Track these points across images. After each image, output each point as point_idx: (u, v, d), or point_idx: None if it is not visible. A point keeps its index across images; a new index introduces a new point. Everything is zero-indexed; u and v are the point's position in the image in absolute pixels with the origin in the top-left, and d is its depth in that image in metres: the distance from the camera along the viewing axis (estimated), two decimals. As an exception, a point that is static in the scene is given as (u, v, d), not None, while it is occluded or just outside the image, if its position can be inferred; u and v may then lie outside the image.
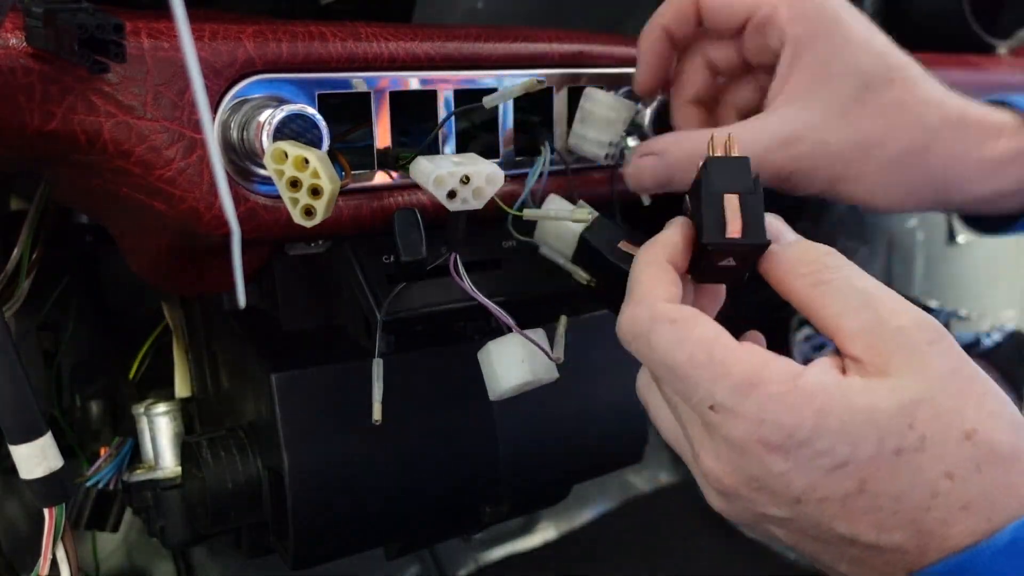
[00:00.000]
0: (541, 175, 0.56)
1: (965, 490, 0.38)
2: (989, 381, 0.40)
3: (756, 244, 0.43)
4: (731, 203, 0.43)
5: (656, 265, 0.44)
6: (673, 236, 0.46)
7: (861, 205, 0.57)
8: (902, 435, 0.38)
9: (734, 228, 0.43)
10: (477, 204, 0.49)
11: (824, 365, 0.40)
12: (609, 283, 0.54)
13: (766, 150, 0.53)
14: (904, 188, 0.57)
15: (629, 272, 0.47)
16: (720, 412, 0.39)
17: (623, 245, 0.53)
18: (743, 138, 0.48)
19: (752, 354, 0.40)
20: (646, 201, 0.60)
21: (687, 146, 0.53)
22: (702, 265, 0.46)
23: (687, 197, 0.48)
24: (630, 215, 0.61)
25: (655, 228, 0.49)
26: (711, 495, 0.44)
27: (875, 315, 0.40)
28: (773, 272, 0.44)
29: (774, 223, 0.45)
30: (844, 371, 0.40)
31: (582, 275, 0.55)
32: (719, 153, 0.46)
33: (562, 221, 0.55)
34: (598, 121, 0.58)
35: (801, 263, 0.43)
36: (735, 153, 0.46)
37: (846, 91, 0.53)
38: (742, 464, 0.40)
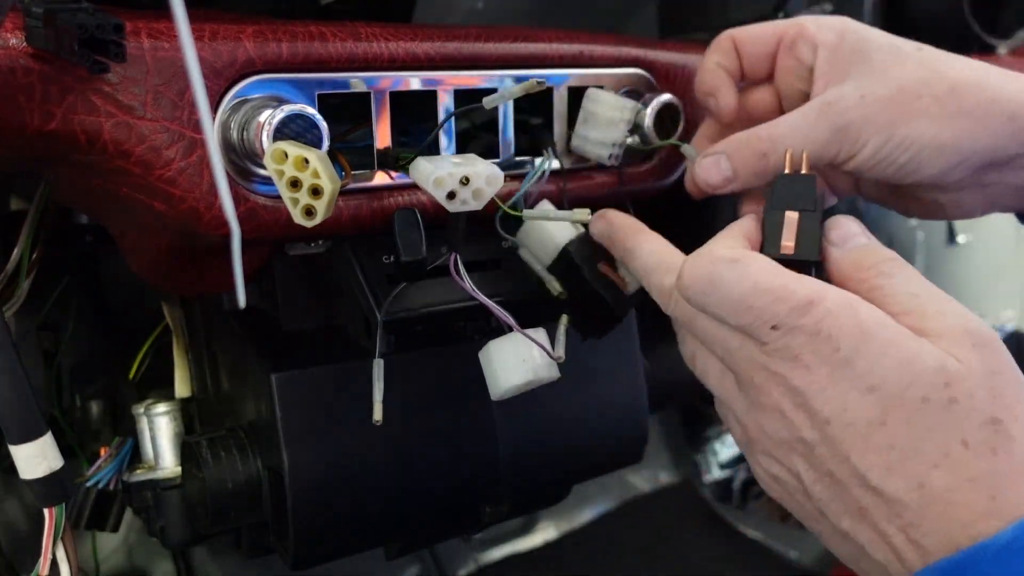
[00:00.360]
0: (540, 177, 0.57)
1: (976, 463, 0.39)
2: (1021, 393, 0.42)
3: (806, 260, 0.47)
4: (790, 220, 0.48)
5: (668, 248, 0.50)
6: (749, 224, 0.49)
7: (930, 149, 0.54)
8: (934, 387, 0.40)
9: (787, 245, 0.47)
10: (477, 205, 0.49)
11: (884, 313, 0.43)
12: (580, 299, 0.55)
13: (817, 116, 0.54)
14: (970, 119, 0.54)
15: (603, 294, 0.52)
16: (781, 328, 0.43)
17: (602, 267, 0.54)
18: (791, 119, 0.53)
19: (813, 282, 0.43)
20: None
21: (755, 146, 0.55)
22: None
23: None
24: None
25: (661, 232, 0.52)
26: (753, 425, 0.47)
27: (920, 318, 0.43)
28: (835, 276, 0.47)
29: (847, 224, 0.49)
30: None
31: (555, 285, 0.55)
32: (788, 170, 0.51)
33: (548, 229, 0.55)
34: (601, 122, 0.58)
35: (859, 268, 0.46)
36: (804, 170, 0.51)
37: (884, 59, 0.54)
38: (792, 376, 0.43)
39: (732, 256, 0.45)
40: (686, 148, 0.59)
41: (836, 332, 0.42)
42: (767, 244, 0.48)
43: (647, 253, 0.51)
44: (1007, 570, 0.37)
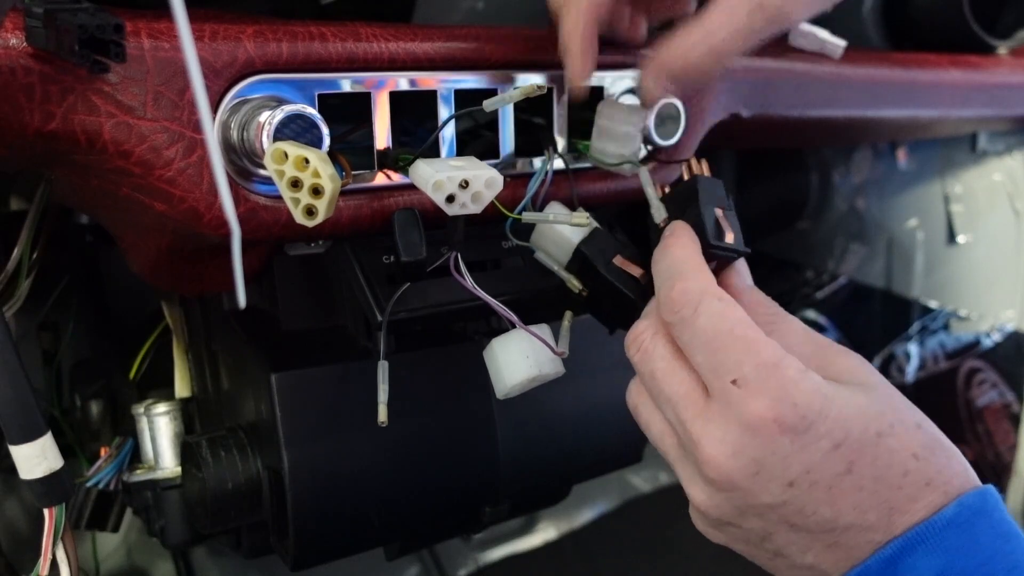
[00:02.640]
0: (543, 181, 0.57)
1: (928, 468, 0.43)
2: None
3: (743, 251, 0.51)
4: (721, 216, 0.51)
5: (697, 254, 0.49)
6: (691, 233, 0.51)
7: None
8: (880, 420, 0.43)
9: (730, 236, 0.51)
10: (476, 208, 0.49)
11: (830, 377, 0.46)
12: (600, 295, 0.55)
13: (749, 12, 0.52)
14: None
15: (622, 287, 0.53)
16: (743, 387, 0.43)
17: (618, 260, 0.54)
18: (722, 20, 0.52)
19: (776, 344, 0.44)
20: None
21: (697, 55, 0.53)
22: None
23: (656, 207, 0.54)
24: (627, 222, 0.61)
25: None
26: (699, 489, 0.46)
27: (817, 346, 0.48)
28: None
29: (742, 267, 0.52)
30: None
31: (575, 284, 0.56)
32: (697, 172, 0.54)
33: (560, 229, 0.55)
34: (617, 136, 0.58)
35: (761, 304, 0.51)
36: (707, 173, 0.55)
37: None
38: (748, 445, 0.43)
39: (719, 294, 0.46)
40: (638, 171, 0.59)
41: (800, 399, 0.42)
42: (711, 236, 0.50)
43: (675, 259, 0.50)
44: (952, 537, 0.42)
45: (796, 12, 0.54)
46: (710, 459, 0.44)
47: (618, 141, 0.58)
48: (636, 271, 0.54)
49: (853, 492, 0.43)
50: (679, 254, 0.49)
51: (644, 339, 0.48)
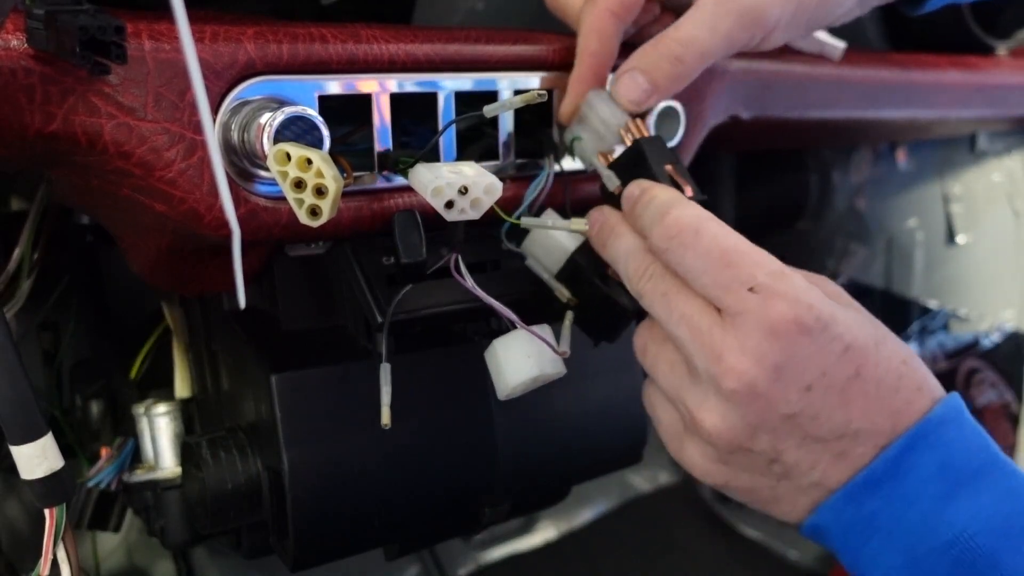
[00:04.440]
0: (543, 187, 0.57)
1: (915, 374, 0.46)
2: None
3: (701, 199, 0.52)
4: (674, 172, 0.52)
5: (678, 192, 0.51)
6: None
7: None
8: (875, 329, 0.47)
9: (689, 189, 0.52)
10: (475, 215, 0.49)
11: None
12: (590, 305, 0.55)
13: (716, 6, 0.53)
14: None
15: (616, 297, 0.53)
16: (760, 292, 0.45)
17: (610, 271, 0.54)
18: (694, 17, 0.54)
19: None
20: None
21: (668, 52, 0.54)
22: None
23: (607, 175, 0.54)
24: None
25: None
26: (712, 411, 0.47)
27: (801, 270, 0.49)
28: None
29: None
30: None
31: (564, 292, 0.56)
32: (636, 135, 0.55)
33: (554, 237, 0.55)
34: (592, 128, 0.57)
35: None
36: (647, 134, 0.55)
37: None
38: (770, 350, 0.44)
39: (711, 215, 0.47)
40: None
41: (815, 301, 0.45)
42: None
43: (624, 242, 0.52)
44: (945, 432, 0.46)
45: (768, 11, 0.54)
46: (732, 368, 0.45)
47: (592, 133, 0.57)
48: None
49: (861, 397, 0.45)
50: (663, 194, 0.50)
51: (652, 268, 0.49)
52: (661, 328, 0.49)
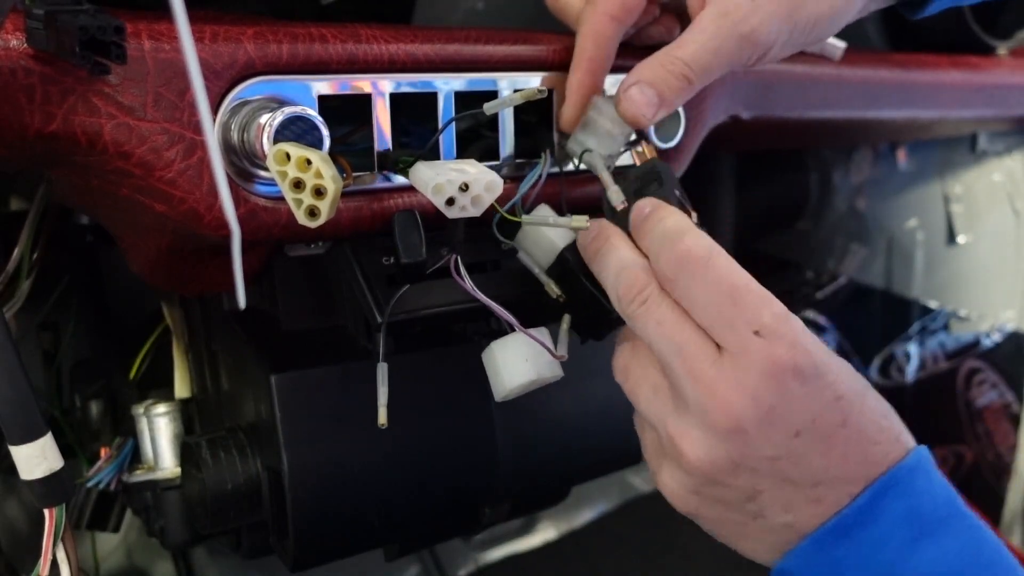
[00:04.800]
0: (537, 181, 0.56)
1: (894, 425, 0.47)
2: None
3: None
4: (681, 198, 0.53)
5: (689, 220, 0.50)
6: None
7: (830, 16, 0.57)
8: (861, 379, 0.47)
9: (694, 217, 0.52)
10: (475, 212, 0.49)
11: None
12: (578, 302, 0.55)
13: (717, 29, 0.54)
14: None
15: (600, 296, 0.53)
16: (764, 334, 0.44)
17: None
18: (696, 38, 0.54)
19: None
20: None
21: (675, 70, 0.55)
22: None
23: (614, 191, 0.54)
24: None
25: None
26: (696, 441, 0.46)
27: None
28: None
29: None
30: None
31: (553, 288, 0.55)
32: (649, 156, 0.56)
33: (546, 232, 0.55)
34: (600, 132, 0.57)
35: None
36: (649, 156, 0.56)
37: None
38: (765, 391, 0.44)
39: (721, 249, 0.47)
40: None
41: (813, 348, 0.45)
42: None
43: (618, 255, 0.51)
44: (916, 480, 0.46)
45: (760, 25, 0.54)
46: (726, 404, 0.44)
47: (600, 138, 0.57)
48: None
49: (843, 445, 0.45)
50: (676, 218, 0.49)
51: (649, 291, 0.48)
52: (647, 352, 0.49)
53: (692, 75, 0.54)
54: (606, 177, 0.54)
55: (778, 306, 0.45)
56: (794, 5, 0.54)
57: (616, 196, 0.53)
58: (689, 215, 0.51)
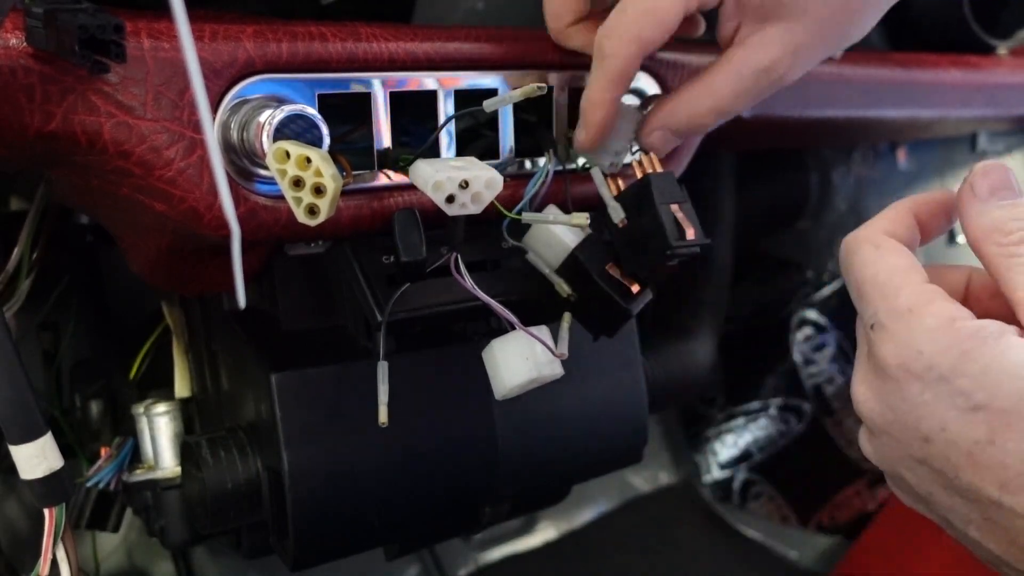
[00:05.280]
0: (543, 182, 0.57)
1: None
2: None
3: (704, 243, 0.52)
4: (679, 212, 0.52)
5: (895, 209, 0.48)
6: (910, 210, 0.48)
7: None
8: None
9: (691, 232, 0.51)
10: (476, 209, 0.49)
11: (997, 324, 0.40)
12: (589, 301, 0.56)
13: (755, 81, 0.55)
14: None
15: (613, 294, 0.54)
16: (877, 331, 0.42)
17: (611, 268, 0.55)
18: (730, 84, 0.54)
19: (929, 291, 0.42)
20: None
21: (702, 121, 0.57)
22: (647, 262, 0.54)
23: (613, 207, 0.54)
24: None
25: None
26: (861, 432, 0.46)
27: None
28: (971, 232, 0.44)
29: (997, 173, 0.44)
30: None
31: (564, 288, 0.56)
32: (649, 170, 0.55)
33: (555, 233, 0.55)
34: (609, 149, 0.58)
35: (999, 232, 0.43)
36: (659, 168, 0.55)
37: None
38: (884, 390, 0.42)
39: (877, 241, 0.45)
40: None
41: (928, 348, 0.40)
42: (671, 238, 0.51)
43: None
44: None
45: (798, 73, 0.56)
46: (855, 399, 0.44)
47: (606, 152, 0.58)
48: (627, 280, 0.55)
49: (996, 467, 0.39)
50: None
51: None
52: None
53: (717, 120, 0.56)
54: (605, 193, 0.55)
55: (902, 299, 0.42)
56: (839, 38, 0.55)
57: (615, 213, 0.54)
58: (684, 230, 0.51)
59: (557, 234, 0.56)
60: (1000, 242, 0.42)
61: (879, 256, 0.44)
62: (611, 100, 0.55)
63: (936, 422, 0.40)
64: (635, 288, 0.55)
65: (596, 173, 0.56)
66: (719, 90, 0.55)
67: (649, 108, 0.60)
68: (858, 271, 0.45)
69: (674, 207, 0.52)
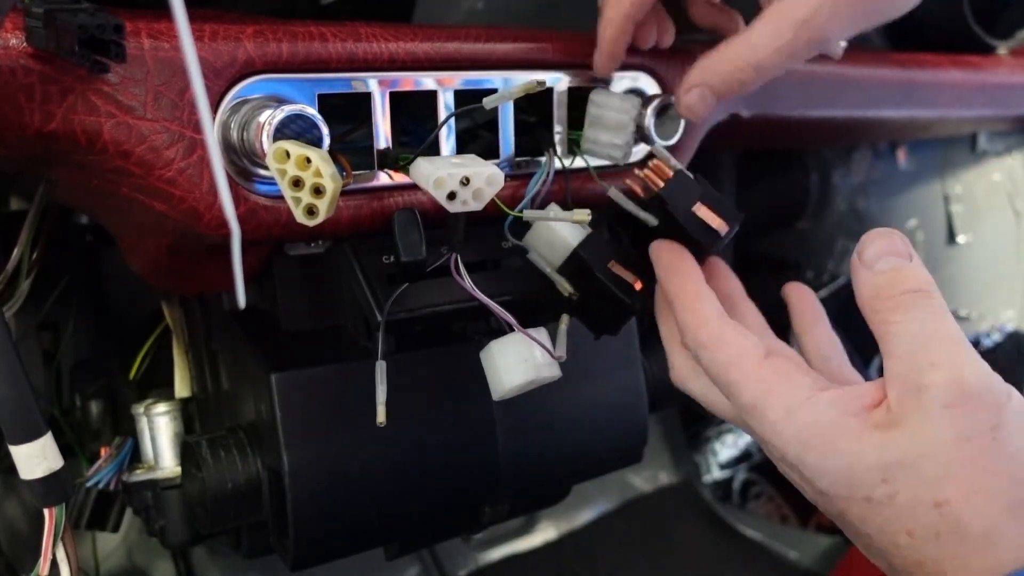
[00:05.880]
0: (544, 180, 0.57)
1: (921, 550, 0.39)
2: (1004, 458, 0.39)
3: (736, 223, 0.53)
4: (701, 209, 0.53)
5: (693, 284, 0.51)
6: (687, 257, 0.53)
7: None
8: (873, 487, 0.40)
9: (716, 222, 0.53)
10: (477, 205, 0.49)
11: (845, 397, 0.42)
12: (592, 299, 0.56)
13: (795, 35, 0.52)
14: None
15: (616, 290, 0.54)
16: (739, 422, 0.48)
17: (613, 266, 0.55)
18: (768, 41, 0.53)
19: (763, 379, 0.45)
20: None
21: (739, 76, 0.55)
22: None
23: (644, 217, 0.55)
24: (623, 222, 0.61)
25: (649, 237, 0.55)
26: None
27: (912, 366, 0.41)
28: (857, 299, 0.45)
29: (881, 240, 0.45)
30: (876, 405, 0.42)
31: (566, 287, 0.56)
32: (658, 177, 0.55)
33: (557, 231, 0.55)
34: (609, 124, 0.58)
35: (877, 298, 0.43)
36: (668, 173, 0.54)
37: None
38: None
39: (704, 342, 0.48)
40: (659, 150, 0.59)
41: (775, 442, 0.43)
42: (702, 238, 0.53)
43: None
44: None
45: (838, 31, 0.54)
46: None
47: (610, 130, 0.58)
48: (630, 277, 0.55)
49: (855, 536, 0.43)
50: (681, 298, 0.51)
51: None
52: None
53: (758, 79, 0.54)
54: (631, 207, 0.56)
55: (746, 397, 0.45)
56: (873, 7, 0.54)
57: (649, 221, 0.55)
58: (710, 225, 0.53)
59: (559, 232, 0.56)
60: (877, 308, 0.43)
61: (717, 354, 0.47)
62: (623, 15, 0.55)
63: (810, 493, 0.44)
64: (638, 285, 0.55)
65: (614, 192, 0.56)
66: (759, 44, 0.53)
67: (654, 103, 0.60)
68: (710, 370, 0.48)
69: (696, 208, 0.53)
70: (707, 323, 0.48)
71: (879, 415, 0.41)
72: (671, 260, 0.53)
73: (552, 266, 0.57)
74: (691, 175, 0.55)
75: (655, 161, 0.56)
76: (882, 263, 0.44)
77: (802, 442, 0.42)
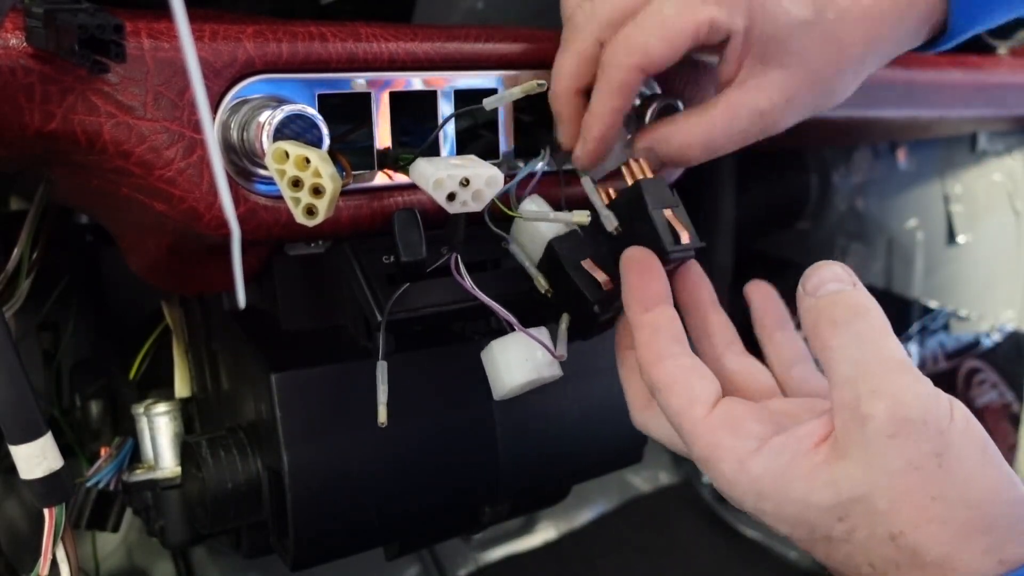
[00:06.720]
0: (532, 176, 0.56)
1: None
2: (952, 483, 0.39)
3: (699, 246, 0.52)
4: (673, 217, 0.51)
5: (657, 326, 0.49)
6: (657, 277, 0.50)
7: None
8: (831, 527, 0.40)
9: (686, 236, 0.51)
10: (477, 206, 0.49)
11: (793, 439, 0.42)
12: (564, 297, 0.54)
13: (750, 124, 0.54)
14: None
15: (582, 288, 0.52)
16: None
17: (586, 264, 0.53)
18: (724, 124, 0.54)
19: (712, 430, 0.44)
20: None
21: (690, 153, 0.56)
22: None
23: (605, 215, 0.53)
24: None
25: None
26: None
27: (853, 394, 0.40)
28: (803, 322, 0.45)
29: (823, 271, 0.45)
30: (825, 439, 0.42)
31: (541, 283, 0.55)
32: (639, 176, 0.53)
33: (536, 226, 0.55)
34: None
35: (821, 321, 0.43)
36: (649, 174, 0.53)
37: (801, 42, 0.53)
38: None
39: (660, 386, 0.47)
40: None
41: (733, 493, 0.43)
42: (667, 244, 0.50)
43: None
44: None
45: (790, 121, 0.56)
46: None
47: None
48: (601, 277, 0.53)
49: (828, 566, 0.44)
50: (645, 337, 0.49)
51: None
52: None
53: (704, 157, 0.56)
54: (596, 201, 0.54)
55: (702, 443, 0.45)
56: (826, 93, 0.55)
57: (608, 222, 0.53)
58: (679, 234, 0.51)
59: (540, 226, 0.55)
60: (817, 334, 0.43)
61: (671, 401, 0.46)
62: (612, 112, 0.54)
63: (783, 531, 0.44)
64: (608, 285, 0.53)
65: (586, 182, 0.55)
66: (713, 127, 0.54)
67: (648, 115, 0.59)
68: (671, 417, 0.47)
69: (667, 212, 0.51)
70: (661, 361, 0.47)
71: (826, 449, 0.41)
72: (639, 280, 0.50)
73: (532, 260, 0.56)
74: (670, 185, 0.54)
75: (640, 161, 0.55)
76: (823, 289, 0.44)
77: (757, 492, 0.42)
